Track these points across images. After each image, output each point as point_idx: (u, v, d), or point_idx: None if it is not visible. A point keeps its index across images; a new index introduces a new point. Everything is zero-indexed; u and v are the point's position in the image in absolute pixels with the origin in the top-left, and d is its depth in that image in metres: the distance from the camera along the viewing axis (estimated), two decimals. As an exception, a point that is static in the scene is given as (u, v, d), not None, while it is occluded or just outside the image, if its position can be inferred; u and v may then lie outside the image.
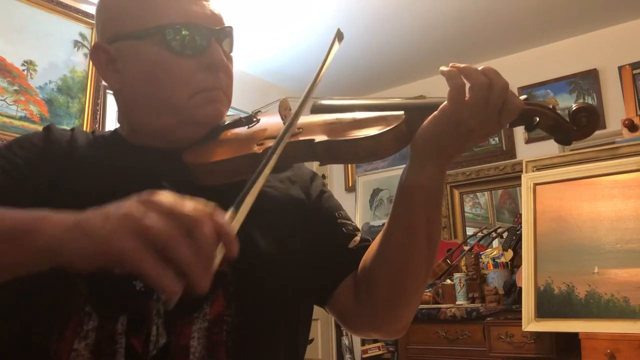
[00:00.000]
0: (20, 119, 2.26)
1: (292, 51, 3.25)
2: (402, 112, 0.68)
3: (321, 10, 2.81)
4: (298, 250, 0.77)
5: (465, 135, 0.64)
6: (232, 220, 0.49)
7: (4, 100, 2.22)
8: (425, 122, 0.65)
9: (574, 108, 0.67)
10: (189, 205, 0.46)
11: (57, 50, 2.43)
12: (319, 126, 0.70)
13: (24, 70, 2.31)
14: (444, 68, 0.64)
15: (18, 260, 0.51)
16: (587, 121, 0.67)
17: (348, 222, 0.84)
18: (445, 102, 0.63)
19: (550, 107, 0.67)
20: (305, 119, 0.72)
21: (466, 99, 0.62)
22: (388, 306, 0.75)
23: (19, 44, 2.31)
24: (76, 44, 2.52)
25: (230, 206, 0.51)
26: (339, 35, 0.73)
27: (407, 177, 0.68)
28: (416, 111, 0.67)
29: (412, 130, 0.67)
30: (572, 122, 0.67)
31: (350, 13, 2.85)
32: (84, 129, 2.48)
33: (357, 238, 0.82)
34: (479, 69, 0.63)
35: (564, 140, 0.69)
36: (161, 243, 0.44)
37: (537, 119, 0.66)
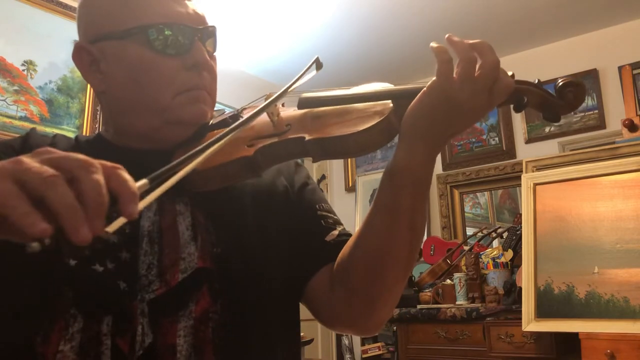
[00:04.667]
0: (20, 119, 2.26)
1: (292, 51, 3.25)
2: (389, 101, 0.66)
3: (321, 9, 2.81)
4: (280, 243, 0.76)
5: (454, 110, 0.62)
6: (142, 187, 0.46)
7: (4, 100, 2.22)
8: (415, 100, 0.64)
9: (560, 84, 0.66)
10: (86, 158, 0.43)
11: (57, 50, 2.42)
12: (307, 122, 0.69)
13: (24, 70, 2.31)
14: (434, 44, 0.62)
15: None
16: (573, 96, 0.66)
17: (329, 215, 0.82)
18: (434, 79, 0.62)
19: (536, 82, 0.67)
20: (292, 114, 0.71)
21: (454, 74, 0.61)
22: (364, 298, 0.73)
23: (19, 44, 2.31)
24: (76, 44, 2.52)
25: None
26: (318, 64, 0.72)
27: (395, 159, 0.66)
28: (404, 99, 0.66)
29: (400, 119, 0.65)
30: (560, 98, 0.66)
31: (350, 13, 2.85)
32: (84, 128, 2.48)
33: (336, 232, 0.80)
34: (471, 42, 0.62)
35: (552, 116, 0.67)
36: (36, 183, 0.41)
37: (526, 99, 0.66)
